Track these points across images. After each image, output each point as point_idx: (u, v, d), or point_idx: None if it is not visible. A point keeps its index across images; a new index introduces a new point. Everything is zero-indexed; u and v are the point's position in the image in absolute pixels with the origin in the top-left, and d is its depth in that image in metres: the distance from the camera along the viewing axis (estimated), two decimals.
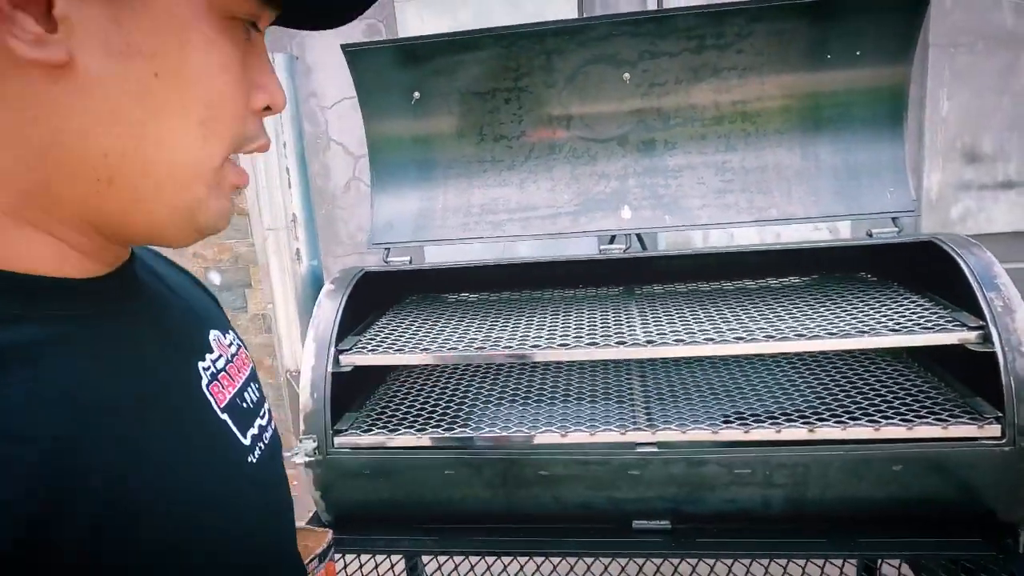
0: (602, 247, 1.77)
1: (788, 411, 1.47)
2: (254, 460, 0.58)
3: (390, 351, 1.57)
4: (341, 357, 1.56)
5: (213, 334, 0.62)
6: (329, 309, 1.64)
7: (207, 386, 0.56)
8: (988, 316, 1.38)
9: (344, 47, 1.78)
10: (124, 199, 0.46)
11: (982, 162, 2.61)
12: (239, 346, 0.67)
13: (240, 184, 0.54)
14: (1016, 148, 2.57)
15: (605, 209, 1.84)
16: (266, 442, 0.62)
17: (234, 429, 0.57)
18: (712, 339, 1.44)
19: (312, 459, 1.49)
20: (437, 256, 2.85)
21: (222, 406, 0.57)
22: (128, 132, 0.44)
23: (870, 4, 1.64)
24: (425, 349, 1.55)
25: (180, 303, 0.61)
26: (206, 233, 0.52)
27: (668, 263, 1.80)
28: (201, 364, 0.57)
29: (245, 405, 0.61)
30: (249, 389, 0.64)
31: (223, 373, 0.60)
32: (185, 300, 0.62)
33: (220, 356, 0.61)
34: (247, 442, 0.58)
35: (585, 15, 2.56)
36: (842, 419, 1.39)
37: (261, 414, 0.63)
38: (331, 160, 3.06)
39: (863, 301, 1.64)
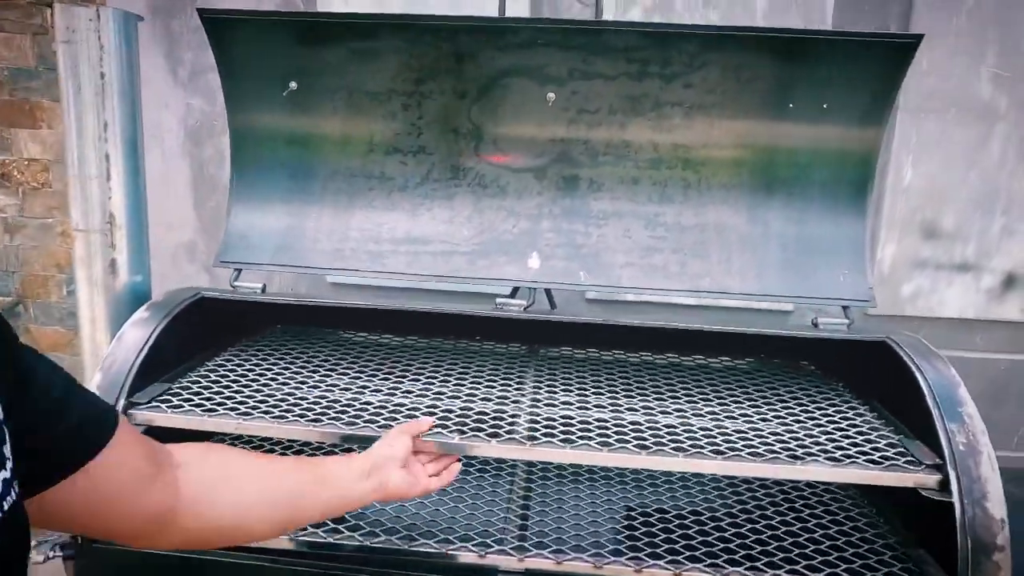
0: (499, 299, 1.44)
1: (694, 536, 1.16)
2: None
3: (195, 411, 1.19)
4: (133, 412, 1.19)
5: None
6: (131, 344, 1.26)
7: None
8: (948, 454, 1.10)
9: (202, 12, 1.41)
10: None
11: (940, 239, 2.41)
12: None
13: None
14: (977, 229, 2.37)
15: (510, 254, 1.51)
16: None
17: None
18: (609, 442, 1.12)
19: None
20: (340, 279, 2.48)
21: None
22: None
23: (845, 48, 1.37)
24: (244, 413, 1.19)
25: None
26: None
27: (576, 331, 1.48)
28: None
29: None
30: None
31: None
32: None
33: None
34: None
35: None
36: (760, 568, 1.08)
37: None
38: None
39: (801, 404, 1.35)
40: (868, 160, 1.44)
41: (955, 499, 1.05)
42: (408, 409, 1.23)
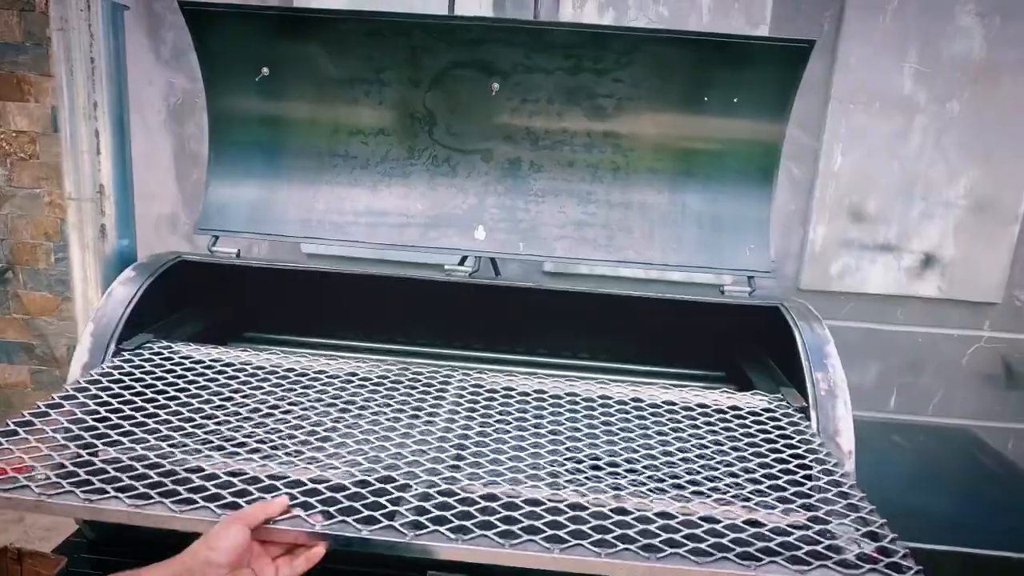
0: (447, 266, 1.64)
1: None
2: None
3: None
4: (122, 356, 1.37)
5: None
6: (119, 299, 1.44)
7: None
8: (811, 398, 1.33)
9: (182, 4, 1.57)
10: None
11: (866, 222, 2.63)
12: None
13: None
14: (898, 213, 2.59)
15: (459, 226, 1.70)
16: None
17: None
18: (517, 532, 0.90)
19: None
20: (317, 251, 2.66)
21: None
22: None
23: (752, 52, 1.56)
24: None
25: None
26: None
27: (516, 296, 1.68)
28: None
29: None
30: None
31: None
32: None
33: None
34: None
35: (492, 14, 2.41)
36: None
37: None
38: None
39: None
40: (774, 150, 1.65)
41: (815, 433, 1.27)
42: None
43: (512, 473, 1.08)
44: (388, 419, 1.24)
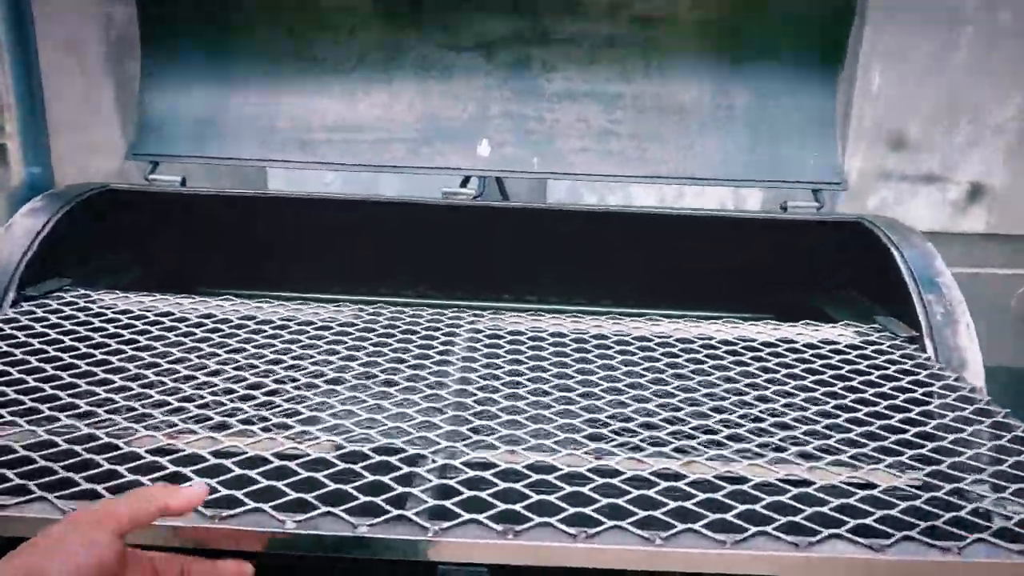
0: (445, 190, 1.32)
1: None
2: None
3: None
4: (25, 305, 1.04)
5: None
6: (20, 234, 1.10)
7: None
8: (925, 326, 1.03)
9: None
10: None
11: (906, 151, 2.35)
12: None
13: None
14: (942, 140, 2.32)
15: (457, 141, 1.38)
16: None
17: None
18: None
19: None
20: (284, 184, 2.30)
21: None
22: None
23: None
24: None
25: None
26: None
27: (527, 218, 1.36)
28: None
29: None
30: None
31: None
32: None
33: None
34: None
35: None
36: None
37: None
38: None
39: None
40: (843, 21, 1.33)
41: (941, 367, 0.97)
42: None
43: (563, 433, 0.77)
44: (382, 372, 0.92)
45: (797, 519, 0.62)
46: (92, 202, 1.22)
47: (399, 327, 1.04)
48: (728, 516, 0.61)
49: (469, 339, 1.02)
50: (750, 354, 0.98)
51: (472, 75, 1.39)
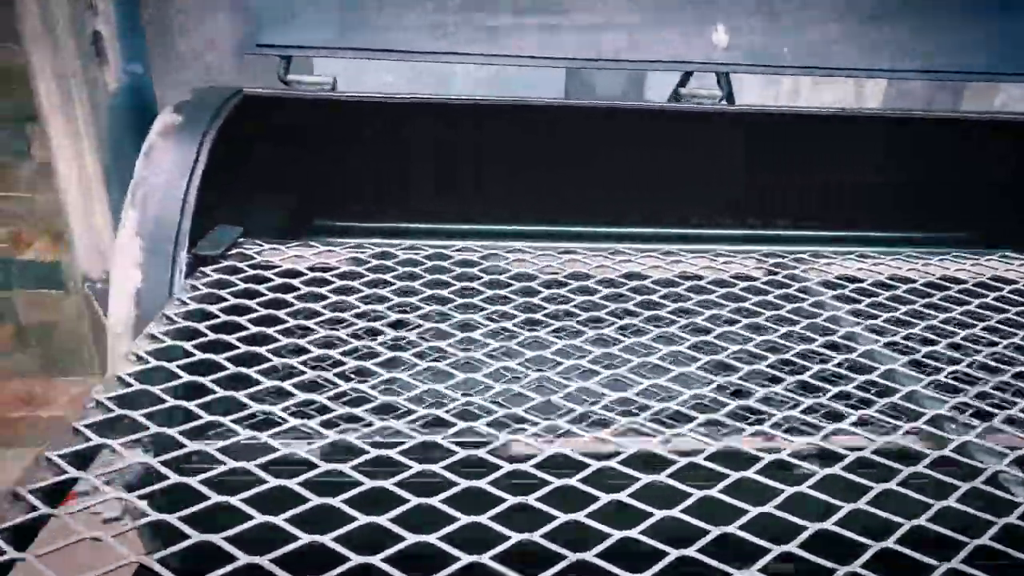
0: (684, 90, 1.03)
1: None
2: None
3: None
4: (205, 272, 0.74)
5: None
6: (174, 161, 0.78)
7: None
8: None
9: None
10: None
11: None
12: None
13: None
14: None
15: (681, 25, 1.07)
16: None
17: None
18: None
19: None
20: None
21: None
22: None
23: None
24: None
25: None
26: None
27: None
28: None
29: None
30: None
31: None
32: None
33: None
34: None
35: None
36: None
37: None
38: None
39: None
40: None
41: None
42: None
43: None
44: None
45: None
46: (240, 113, 0.88)
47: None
48: None
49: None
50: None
51: None
